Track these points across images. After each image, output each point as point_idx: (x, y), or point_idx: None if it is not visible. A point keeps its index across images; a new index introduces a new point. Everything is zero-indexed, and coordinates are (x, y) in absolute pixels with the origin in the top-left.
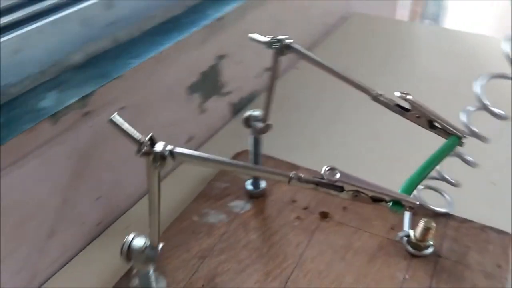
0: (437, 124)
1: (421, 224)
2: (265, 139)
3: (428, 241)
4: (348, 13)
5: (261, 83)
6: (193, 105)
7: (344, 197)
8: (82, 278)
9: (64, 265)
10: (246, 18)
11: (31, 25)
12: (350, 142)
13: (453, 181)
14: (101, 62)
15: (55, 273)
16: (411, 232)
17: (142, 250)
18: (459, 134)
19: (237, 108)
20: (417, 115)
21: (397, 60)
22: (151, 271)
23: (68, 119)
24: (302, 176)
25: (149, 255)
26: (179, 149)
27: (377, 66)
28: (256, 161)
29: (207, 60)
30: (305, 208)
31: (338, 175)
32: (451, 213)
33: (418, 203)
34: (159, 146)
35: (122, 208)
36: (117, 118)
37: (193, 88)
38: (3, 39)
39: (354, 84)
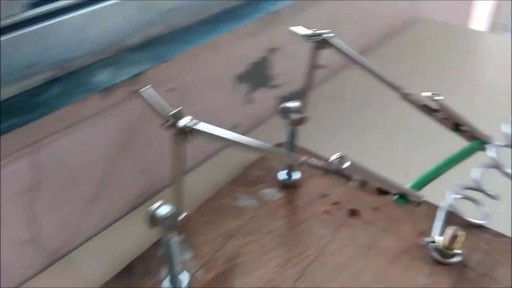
0: (463, 128)
1: (449, 232)
2: (306, 132)
3: (455, 250)
4: (415, 17)
5: (313, 80)
6: (240, 94)
7: (352, 186)
8: (118, 243)
9: (103, 230)
10: (302, 14)
11: (96, 5)
12: (386, 144)
13: (491, 193)
14: (156, 45)
15: (93, 236)
16: (439, 239)
17: (165, 217)
18: (483, 139)
19: (286, 102)
20: (444, 117)
21: (460, 70)
22: (174, 239)
23: (118, 95)
24: (312, 161)
25: (171, 222)
26: (200, 126)
27: (437, 75)
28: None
29: (258, 51)
30: (335, 203)
31: (346, 164)
32: (486, 225)
33: (423, 198)
34: (183, 121)
35: (163, 184)
36: (146, 92)
37: (241, 78)
38: (69, 15)
39: (385, 81)
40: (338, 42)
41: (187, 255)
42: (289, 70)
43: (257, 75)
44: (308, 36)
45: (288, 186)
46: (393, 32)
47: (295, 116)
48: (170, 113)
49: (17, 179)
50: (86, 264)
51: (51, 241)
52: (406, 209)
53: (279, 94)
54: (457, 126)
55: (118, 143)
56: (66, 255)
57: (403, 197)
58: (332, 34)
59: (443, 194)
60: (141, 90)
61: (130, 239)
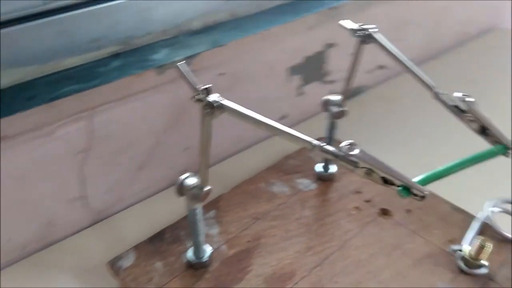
0: (488, 131)
1: (477, 242)
2: (352, 128)
3: (481, 260)
4: (491, 26)
5: (371, 79)
6: (292, 86)
7: (358, 174)
8: (155, 212)
9: (144, 199)
10: (366, 12)
11: None
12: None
13: None
14: (214, 31)
15: (135, 203)
16: (466, 247)
17: (191, 187)
18: (507, 144)
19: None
20: (471, 119)
21: None
22: (198, 209)
23: (172, 73)
24: (325, 146)
25: (195, 193)
26: (227, 102)
27: (506, 86)
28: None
29: (314, 45)
30: (367, 201)
31: (355, 151)
32: None
33: (427, 192)
34: (211, 97)
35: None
36: (183, 65)
37: (294, 70)
38: None
39: (418, 79)
40: (381, 38)
41: (215, 230)
42: (345, 67)
43: (311, 69)
44: (354, 30)
45: (323, 179)
46: (466, 39)
47: (335, 109)
48: (202, 88)
49: (72, 140)
50: (124, 227)
51: (97, 202)
52: (440, 215)
53: (333, 90)
54: (483, 130)
55: (167, 119)
56: (108, 217)
57: (406, 189)
58: (376, 30)
59: (482, 205)
60: (178, 63)
61: (167, 209)
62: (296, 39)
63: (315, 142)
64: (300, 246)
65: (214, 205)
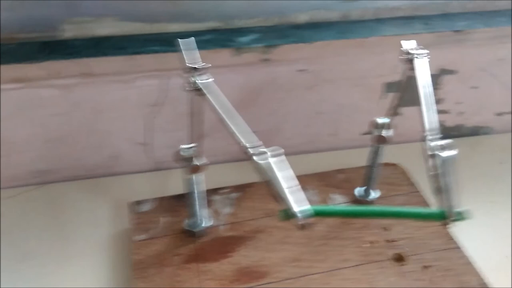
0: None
1: None
2: None
3: None
4: None
5: (503, 124)
6: (386, 103)
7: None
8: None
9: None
10: (502, 45)
11: None
12: None
13: None
14: (317, 28)
15: None
16: None
17: (186, 157)
18: (448, 213)
19: (445, 132)
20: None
21: None
22: (193, 179)
23: (248, 57)
24: (248, 149)
25: (187, 164)
26: (209, 87)
27: None
28: (370, 173)
29: None
30: (389, 241)
31: (269, 158)
32: None
33: (303, 222)
34: (200, 77)
35: None
36: (185, 41)
37: (392, 87)
38: None
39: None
40: (419, 63)
41: (226, 210)
42: (467, 101)
43: (415, 90)
44: (403, 52)
45: (359, 202)
46: None
47: (379, 132)
48: (192, 65)
49: (147, 92)
50: (172, 182)
51: (159, 153)
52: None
53: (443, 121)
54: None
55: (239, 99)
56: (164, 169)
57: (288, 213)
58: (423, 55)
59: None
60: (180, 40)
61: (211, 179)
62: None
63: (247, 144)
64: (288, 254)
65: (241, 189)
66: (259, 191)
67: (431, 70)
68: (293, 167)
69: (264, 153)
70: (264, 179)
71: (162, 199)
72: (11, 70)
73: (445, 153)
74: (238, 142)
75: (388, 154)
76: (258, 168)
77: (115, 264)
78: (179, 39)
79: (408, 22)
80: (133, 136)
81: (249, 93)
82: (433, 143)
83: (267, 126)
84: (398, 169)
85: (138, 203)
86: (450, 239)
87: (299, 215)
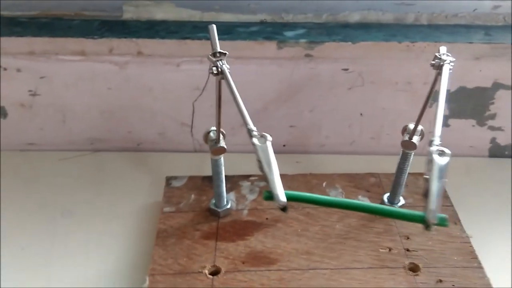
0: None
1: None
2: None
3: None
4: None
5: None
6: (431, 112)
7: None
8: (234, 166)
9: (241, 152)
10: None
11: None
12: None
13: None
14: (367, 28)
15: (231, 152)
16: None
17: (210, 139)
18: (428, 218)
19: (497, 151)
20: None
21: None
22: (219, 161)
23: (291, 51)
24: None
25: (211, 145)
26: (228, 75)
27: None
28: (398, 179)
29: (477, 79)
30: (408, 250)
31: (258, 140)
32: None
33: (282, 203)
34: (222, 62)
35: (307, 149)
36: (212, 27)
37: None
38: None
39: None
40: (446, 70)
41: (252, 196)
42: None
43: (467, 103)
44: (435, 56)
45: None
46: None
47: (409, 137)
48: (217, 50)
49: (192, 76)
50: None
51: (200, 135)
52: None
53: (488, 136)
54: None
55: (280, 92)
56: (205, 151)
57: (270, 195)
58: (450, 61)
59: None
60: (210, 25)
61: (243, 166)
62: (455, 64)
63: (250, 126)
64: (302, 246)
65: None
66: (288, 183)
67: (484, 82)
68: (330, 166)
69: (265, 137)
70: (258, 159)
71: (195, 178)
72: (73, 43)
73: (440, 160)
74: (246, 124)
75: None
76: (255, 149)
77: (144, 230)
78: (213, 25)
79: (463, 30)
80: (178, 116)
81: (290, 87)
82: (434, 148)
83: (306, 122)
84: None
85: (173, 178)
86: (473, 257)
87: (275, 197)
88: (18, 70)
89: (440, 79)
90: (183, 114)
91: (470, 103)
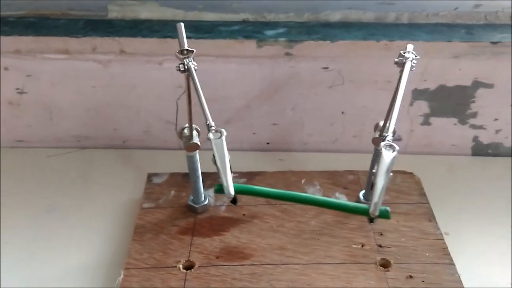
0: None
1: None
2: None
3: None
4: None
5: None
6: (412, 111)
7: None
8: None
9: None
10: None
11: None
12: None
13: None
14: (347, 28)
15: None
16: None
17: (184, 136)
18: (372, 211)
19: (480, 149)
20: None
21: None
22: (194, 157)
23: (270, 49)
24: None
25: (185, 142)
26: (193, 71)
27: None
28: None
29: (457, 77)
30: (381, 246)
31: (213, 135)
32: None
33: (231, 195)
34: (188, 60)
35: (290, 147)
36: (180, 26)
37: (420, 94)
38: None
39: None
40: (408, 67)
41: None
42: (500, 116)
43: (448, 101)
44: (399, 54)
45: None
46: None
47: (379, 134)
48: (183, 49)
49: (174, 74)
50: None
51: None
52: None
53: (470, 134)
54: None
55: (261, 90)
56: None
57: (220, 187)
58: (413, 59)
59: None
60: (178, 24)
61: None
62: (432, 62)
63: (210, 121)
64: (276, 242)
65: (250, 176)
66: (267, 180)
67: (464, 81)
68: (312, 164)
69: (220, 132)
70: (213, 153)
71: (176, 175)
72: (57, 42)
73: (387, 154)
74: (205, 119)
75: (409, 163)
76: (211, 143)
77: (124, 226)
78: (181, 23)
79: (444, 29)
80: (162, 114)
81: (271, 85)
82: (384, 143)
83: (289, 120)
84: (412, 179)
85: (155, 175)
86: (445, 254)
87: (225, 190)
88: (6, 69)
89: (401, 76)
90: (167, 112)
91: (451, 102)
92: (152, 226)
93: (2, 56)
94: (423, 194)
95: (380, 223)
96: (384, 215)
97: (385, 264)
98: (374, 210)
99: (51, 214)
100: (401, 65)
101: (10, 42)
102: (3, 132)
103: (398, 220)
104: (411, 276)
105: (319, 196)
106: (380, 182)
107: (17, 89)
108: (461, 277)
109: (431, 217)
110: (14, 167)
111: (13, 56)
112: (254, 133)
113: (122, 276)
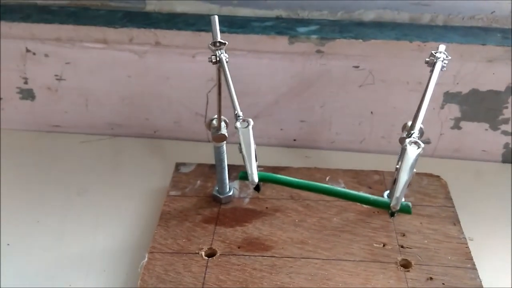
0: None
1: None
2: None
3: None
4: None
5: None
6: (443, 114)
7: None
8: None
9: None
10: None
11: None
12: None
13: None
14: (380, 27)
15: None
16: None
17: (212, 127)
18: (393, 206)
19: (510, 157)
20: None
21: None
22: (221, 148)
23: (302, 46)
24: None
25: (212, 133)
26: (225, 63)
27: None
28: None
29: (491, 82)
30: (402, 247)
31: (241, 124)
32: None
33: (255, 182)
34: (220, 52)
35: (317, 145)
36: (214, 18)
37: (452, 98)
38: None
39: None
40: (438, 67)
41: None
42: None
43: (480, 106)
44: (430, 54)
45: None
46: None
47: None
48: (218, 40)
49: (206, 68)
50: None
51: None
52: None
53: (501, 141)
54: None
55: (291, 86)
56: None
57: (245, 174)
58: (444, 59)
59: None
60: (212, 16)
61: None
62: (466, 65)
63: (238, 111)
64: (298, 236)
65: (275, 170)
66: (292, 175)
67: (497, 86)
68: (338, 163)
69: (247, 121)
70: (239, 142)
71: (203, 165)
72: (96, 31)
73: (412, 150)
74: (234, 108)
75: (436, 166)
76: (238, 132)
77: (150, 212)
78: (215, 16)
79: (479, 32)
80: (192, 106)
81: (301, 82)
82: (409, 139)
83: (317, 117)
84: (439, 182)
85: (182, 164)
86: (468, 258)
87: (249, 177)
88: (46, 55)
89: (431, 75)
90: (198, 104)
91: (483, 107)
92: (177, 213)
93: (42, 43)
94: (449, 198)
95: (403, 224)
96: (406, 209)
97: (406, 265)
98: (395, 204)
99: (82, 197)
100: (431, 64)
101: (51, 30)
102: (42, 117)
103: (421, 222)
104: (431, 278)
105: (340, 188)
106: (403, 178)
107: (55, 75)
108: (482, 282)
109: (455, 221)
110: (50, 151)
111: (53, 44)
112: (281, 129)
113: (146, 259)
